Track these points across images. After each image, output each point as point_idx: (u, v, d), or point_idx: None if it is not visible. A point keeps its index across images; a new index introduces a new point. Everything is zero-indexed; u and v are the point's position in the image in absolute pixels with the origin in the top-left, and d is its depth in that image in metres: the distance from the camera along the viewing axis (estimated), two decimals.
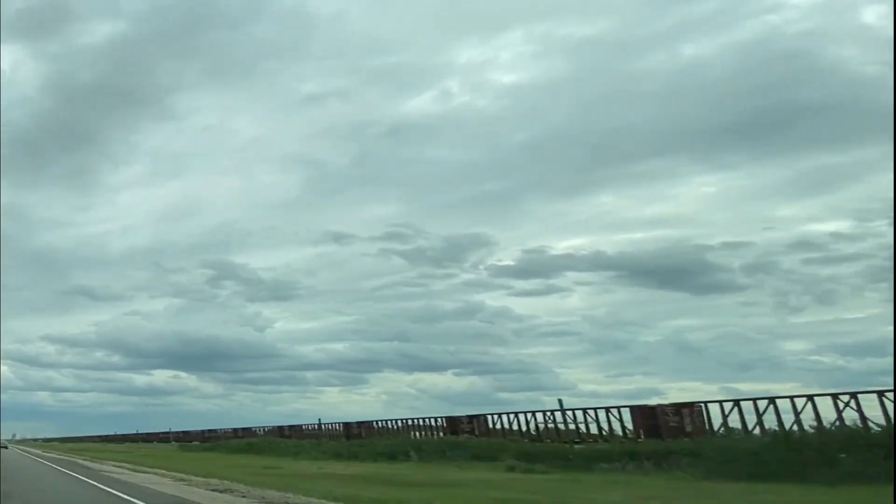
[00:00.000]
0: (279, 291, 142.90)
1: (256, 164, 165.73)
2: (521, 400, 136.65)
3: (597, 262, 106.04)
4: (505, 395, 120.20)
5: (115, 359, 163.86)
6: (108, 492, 15.67)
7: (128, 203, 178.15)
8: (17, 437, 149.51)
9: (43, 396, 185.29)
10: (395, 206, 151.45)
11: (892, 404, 20.83)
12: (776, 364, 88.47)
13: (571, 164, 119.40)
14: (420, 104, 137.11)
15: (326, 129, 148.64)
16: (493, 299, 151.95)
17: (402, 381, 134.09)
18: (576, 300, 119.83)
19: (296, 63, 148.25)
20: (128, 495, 14.34)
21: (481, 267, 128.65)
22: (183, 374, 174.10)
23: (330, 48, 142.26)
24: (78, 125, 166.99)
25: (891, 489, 10.92)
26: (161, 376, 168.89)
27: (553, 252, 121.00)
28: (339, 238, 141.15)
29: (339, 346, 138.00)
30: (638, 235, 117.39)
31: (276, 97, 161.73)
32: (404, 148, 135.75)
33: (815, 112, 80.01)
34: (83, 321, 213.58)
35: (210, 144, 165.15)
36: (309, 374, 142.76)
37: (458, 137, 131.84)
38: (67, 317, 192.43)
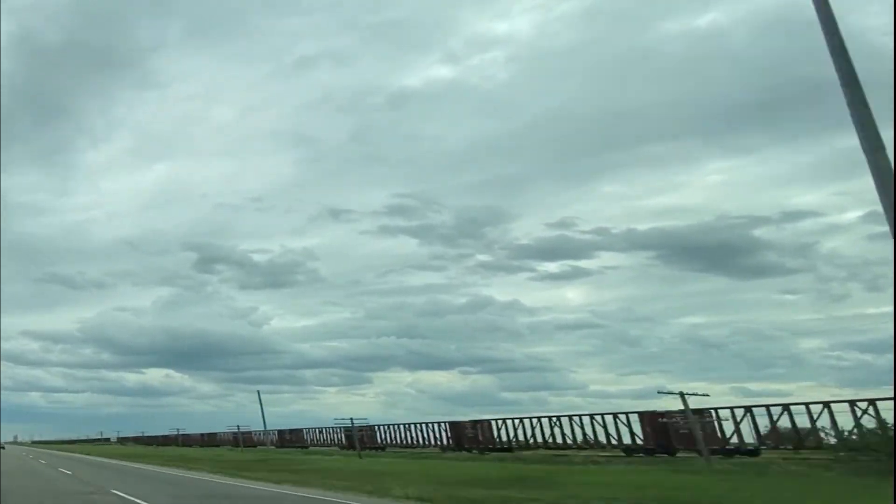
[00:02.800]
0: (276, 277, 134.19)
1: (247, 141, 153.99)
2: (525, 400, 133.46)
3: (632, 241, 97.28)
4: (509, 395, 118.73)
5: (105, 356, 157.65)
6: None
7: (112, 188, 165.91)
8: (20, 439, 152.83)
9: (35, 397, 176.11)
10: (398, 190, 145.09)
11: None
12: (797, 361, 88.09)
13: (586, 146, 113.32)
14: (423, 70, 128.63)
15: (321, 98, 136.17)
16: (510, 286, 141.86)
17: (403, 381, 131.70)
18: (600, 288, 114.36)
19: (286, 18, 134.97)
20: None
21: (497, 247, 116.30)
22: (176, 374, 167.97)
23: (323, 2, 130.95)
24: (49, 93, 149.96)
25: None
26: (154, 375, 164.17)
27: (582, 227, 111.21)
28: (337, 214, 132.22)
29: (342, 343, 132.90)
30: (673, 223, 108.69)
31: (266, 60, 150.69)
32: (407, 122, 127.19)
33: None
34: (66, 316, 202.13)
35: (196, 118, 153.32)
36: (308, 373, 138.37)
37: (464, 110, 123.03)
38: (49, 310, 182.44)
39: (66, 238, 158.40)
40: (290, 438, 60.27)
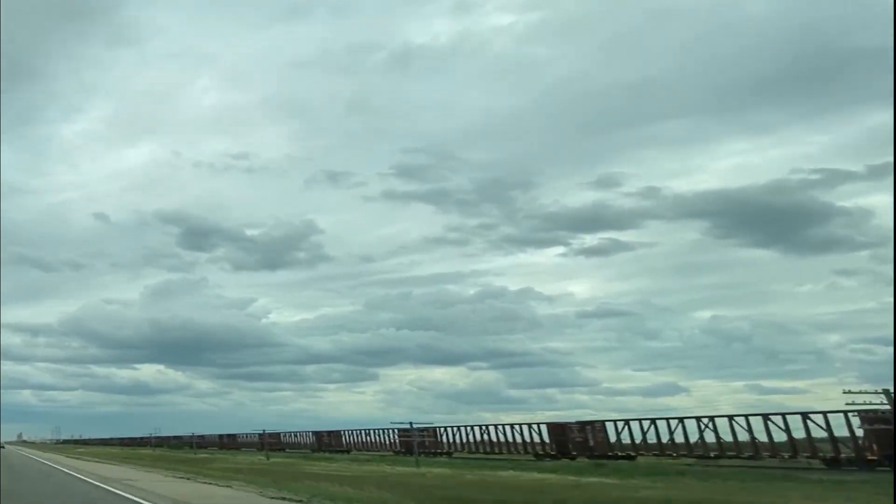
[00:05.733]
0: (274, 255, 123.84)
1: (237, 109, 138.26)
2: (532, 397, 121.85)
3: (684, 207, 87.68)
4: (515, 393, 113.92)
5: (93, 351, 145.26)
6: None
7: (88, 164, 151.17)
8: (26, 438, 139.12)
9: (26, 395, 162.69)
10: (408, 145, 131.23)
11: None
12: (820, 356, 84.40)
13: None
14: (430, 21, 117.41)
15: (317, 56, 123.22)
16: (534, 264, 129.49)
17: (405, 378, 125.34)
18: (631, 273, 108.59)
19: None
20: None
21: (521, 216, 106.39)
22: (170, 370, 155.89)
23: None
24: (9, 50, 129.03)
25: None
26: (147, 371, 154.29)
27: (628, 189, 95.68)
28: (335, 177, 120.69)
29: (346, 337, 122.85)
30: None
31: (254, 7, 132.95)
32: (413, 83, 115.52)
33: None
34: (47, 307, 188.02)
35: (179, 82, 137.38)
36: (310, 369, 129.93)
37: (476, 70, 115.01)
38: (28, 300, 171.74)
39: (42, 221, 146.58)
40: (227, 443, 55.58)
